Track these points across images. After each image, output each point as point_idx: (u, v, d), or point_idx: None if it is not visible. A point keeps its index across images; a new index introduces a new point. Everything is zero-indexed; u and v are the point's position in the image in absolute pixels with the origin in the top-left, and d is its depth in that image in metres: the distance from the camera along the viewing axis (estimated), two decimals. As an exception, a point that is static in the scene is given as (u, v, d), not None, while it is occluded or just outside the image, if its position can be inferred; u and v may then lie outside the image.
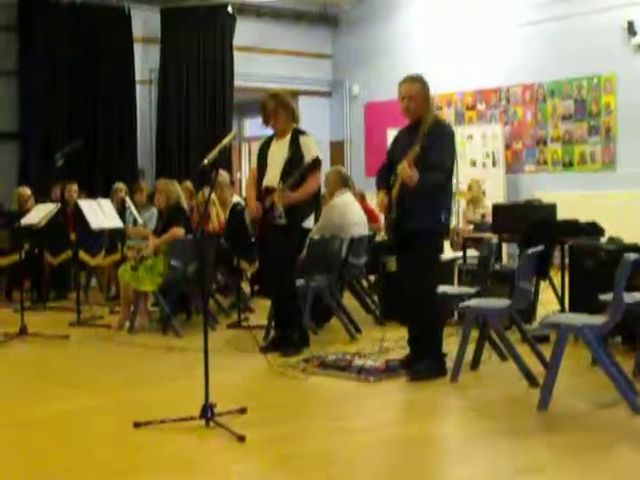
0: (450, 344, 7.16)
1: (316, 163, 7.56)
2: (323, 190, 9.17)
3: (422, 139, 6.53)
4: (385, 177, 6.90)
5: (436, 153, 6.59)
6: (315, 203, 7.96)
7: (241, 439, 5.14)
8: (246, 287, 10.82)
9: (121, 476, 4.74)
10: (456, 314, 8.62)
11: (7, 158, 14.18)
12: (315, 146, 7.73)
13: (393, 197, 6.69)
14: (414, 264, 6.79)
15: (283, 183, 7.49)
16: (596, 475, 4.67)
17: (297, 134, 7.72)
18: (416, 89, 6.83)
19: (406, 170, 6.48)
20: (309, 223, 7.83)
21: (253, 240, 8.14)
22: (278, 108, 7.70)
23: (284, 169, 7.57)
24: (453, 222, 12.90)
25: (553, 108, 14.09)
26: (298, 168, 7.49)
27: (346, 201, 9.11)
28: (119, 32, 14.99)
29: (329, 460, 4.97)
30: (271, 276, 7.96)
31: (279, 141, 7.76)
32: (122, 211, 10.86)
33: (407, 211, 6.66)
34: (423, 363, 6.74)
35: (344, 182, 9.30)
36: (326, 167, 11.00)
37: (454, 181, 7.23)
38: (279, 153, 7.68)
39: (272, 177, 7.65)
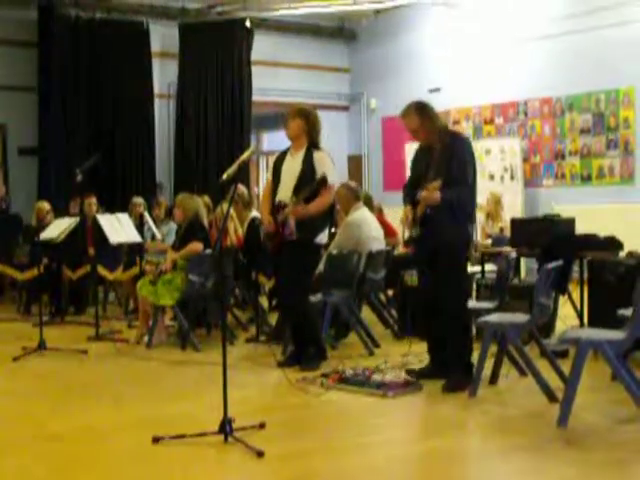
0: (469, 359, 7.16)
1: (324, 181, 7.51)
2: (338, 206, 9.18)
3: (438, 163, 6.69)
4: (411, 193, 7.04)
5: (456, 168, 6.73)
6: (329, 218, 7.91)
7: (260, 454, 5.13)
8: (264, 302, 10.83)
9: (140, 491, 4.76)
10: (475, 329, 8.59)
11: (26, 173, 14.26)
12: (329, 162, 7.69)
13: (418, 215, 6.81)
14: (444, 279, 6.88)
15: (295, 197, 7.49)
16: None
17: (311, 149, 7.71)
18: (416, 122, 6.97)
19: (426, 198, 6.70)
20: (322, 239, 7.78)
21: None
22: (300, 122, 7.68)
23: (296, 184, 7.55)
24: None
25: (571, 122, 14.06)
26: (310, 183, 7.48)
27: (363, 216, 9.08)
28: (138, 47, 15.07)
29: (349, 476, 4.96)
30: (284, 292, 7.96)
31: (294, 155, 7.74)
32: (140, 226, 10.89)
33: (432, 228, 6.79)
34: (453, 378, 6.79)
35: (356, 196, 9.23)
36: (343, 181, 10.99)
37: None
38: (293, 168, 7.65)
39: (285, 192, 7.62)
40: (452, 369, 6.87)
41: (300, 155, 7.67)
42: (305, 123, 7.68)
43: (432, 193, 6.68)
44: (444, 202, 6.69)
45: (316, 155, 7.63)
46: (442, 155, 6.74)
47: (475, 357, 6.81)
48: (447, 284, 6.84)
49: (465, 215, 6.89)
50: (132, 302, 11.26)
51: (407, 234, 7.18)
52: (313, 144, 7.73)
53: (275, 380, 7.24)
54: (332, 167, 7.68)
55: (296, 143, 7.75)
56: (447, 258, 6.84)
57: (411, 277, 8.86)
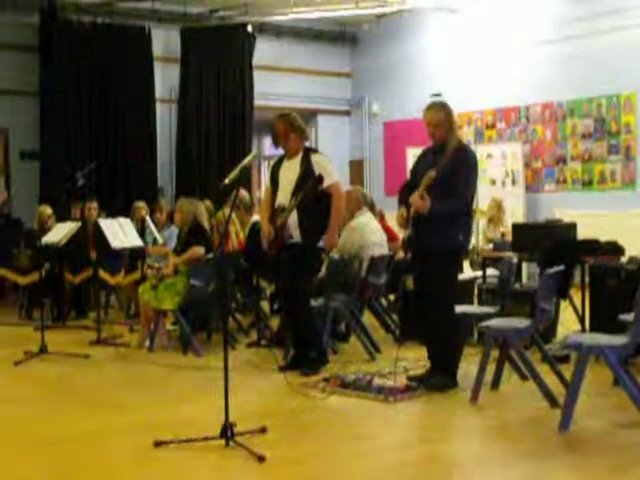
0: (470, 364, 7.15)
1: (318, 180, 7.52)
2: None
3: (443, 164, 6.69)
4: (407, 194, 7.04)
5: (459, 181, 6.78)
6: (330, 222, 7.92)
7: (261, 459, 5.13)
8: (265, 306, 10.82)
9: (141, 496, 4.76)
10: (476, 334, 8.60)
11: (28, 177, 14.27)
12: (327, 163, 7.75)
13: (411, 215, 6.81)
14: (429, 283, 6.96)
15: (294, 200, 7.51)
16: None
17: (308, 153, 7.76)
18: (440, 117, 7.01)
19: (416, 201, 6.71)
20: (323, 242, 7.84)
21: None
22: (288, 129, 7.73)
23: (295, 187, 7.59)
24: (473, 241, 12.92)
25: (573, 127, 14.07)
26: (306, 182, 7.49)
27: (366, 221, 9.11)
28: (140, 51, 15.06)
29: (349, 481, 4.97)
30: (285, 295, 7.97)
31: (290, 161, 7.78)
32: (142, 230, 10.89)
33: (423, 230, 6.79)
34: (435, 378, 6.89)
35: (364, 201, 9.30)
36: (345, 186, 11.01)
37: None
38: (290, 173, 7.70)
39: (284, 197, 7.67)
40: (435, 370, 6.99)
41: (297, 159, 7.73)
42: (296, 133, 7.75)
43: (422, 201, 6.69)
44: (432, 214, 6.71)
45: (314, 158, 7.70)
46: (449, 159, 6.76)
47: (476, 362, 6.81)
48: (432, 289, 6.94)
49: (456, 226, 6.90)
50: (133, 306, 11.27)
51: (401, 236, 7.26)
52: (309, 148, 7.85)
53: (276, 385, 7.23)
54: (332, 167, 7.73)
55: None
56: (434, 264, 6.90)
57: (410, 281, 8.86)
